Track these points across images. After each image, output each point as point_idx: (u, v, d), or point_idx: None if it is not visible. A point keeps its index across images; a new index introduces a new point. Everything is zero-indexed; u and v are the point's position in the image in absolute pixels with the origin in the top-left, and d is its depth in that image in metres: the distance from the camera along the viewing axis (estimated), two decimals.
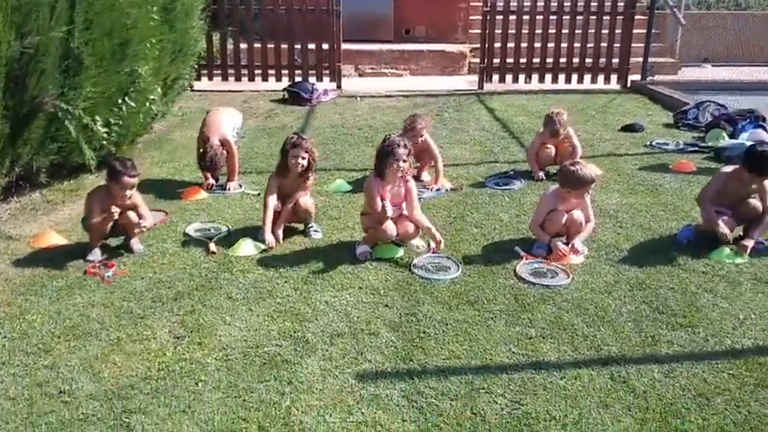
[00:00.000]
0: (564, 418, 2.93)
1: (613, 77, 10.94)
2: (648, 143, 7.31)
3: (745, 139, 6.85)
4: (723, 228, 4.52)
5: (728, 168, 4.70)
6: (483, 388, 3.15)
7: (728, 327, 3.66)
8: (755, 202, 4.60)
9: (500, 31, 10.67)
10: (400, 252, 4.59)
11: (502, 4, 10.63)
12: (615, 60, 10.89)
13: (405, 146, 4.52)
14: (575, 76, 10.89)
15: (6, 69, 4.72)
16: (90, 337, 3.58)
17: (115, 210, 4.49)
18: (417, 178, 6.18)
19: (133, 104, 6.20)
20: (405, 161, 4.50)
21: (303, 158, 4.80)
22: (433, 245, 4.65)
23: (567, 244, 4.60)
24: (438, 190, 5.90)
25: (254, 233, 4.91)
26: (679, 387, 3.15)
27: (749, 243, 4.49)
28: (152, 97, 6.57)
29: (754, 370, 3.27)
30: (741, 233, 4.69)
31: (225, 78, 10.67)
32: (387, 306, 3.91)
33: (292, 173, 4.83)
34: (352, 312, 3.84)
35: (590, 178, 4.48)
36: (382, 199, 4.48)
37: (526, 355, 3.42)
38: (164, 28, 6.75)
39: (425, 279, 4.23)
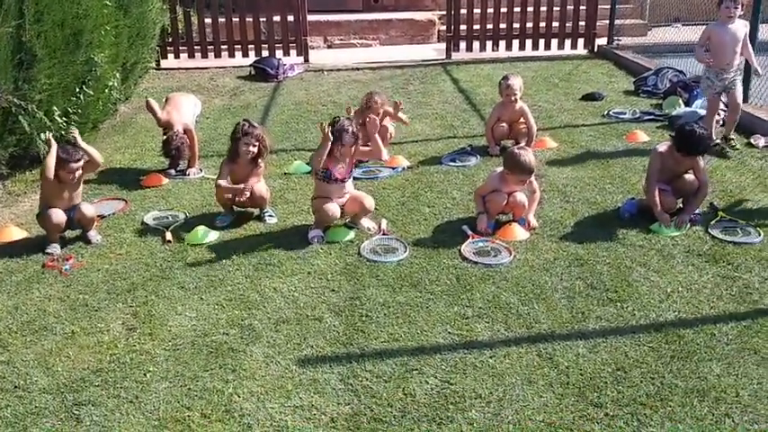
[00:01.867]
0: (489, 396, 3.12)
1: (581, 42, 11.00)
2: (606, 112, 7.44)
3: (698, 106, 6.98)
4: (664, 215, 4.67)
5: (662, 147, 4.83)
6: (416, 369, 3.33)
7: (656, 300, 3.84)
8: (691, 177, 4.76)
9: None
10: (351, 235, 4.74)
11: None
12: (582, 24, 10.94)
13: (352, 133, 4.63)
14: (542, 42, 10.94)
15: None
16: (45, 332, 3.73)
17: (66, 195, 4.66)
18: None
19: (91, 92, 6.26)
20: (351, 145, 4.63)
21: (254, 146, 4.91)
22: (383, 226, 4.81)
23: (513, 222, 4.78)
24: (395, 168, 6.03)
25: (211, 220, 5.05)
26: (600, 362, 3.34)
27: (685, 218, 4.66)
28: (111, 83, 6.64)
29: (673, 342, 3.46)
30: (681, 205, 4.86)
31: (191, 55, 10.67)
32: (333, 291, 4.07)
33: (243, 159, 4.95)
34: (299, 298, 4.00)
35: (528, 168, 4.60)
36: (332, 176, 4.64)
37: (461, 335, 3.60)
38: (119, 14, 6.77)
39: (373, 262, 4.39)
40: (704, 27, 6.22)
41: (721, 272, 4.12)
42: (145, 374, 3.35)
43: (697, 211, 4.79)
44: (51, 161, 4.51)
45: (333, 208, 4.63)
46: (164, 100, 6.37)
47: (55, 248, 4.63)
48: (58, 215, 4.60)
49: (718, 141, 6.06)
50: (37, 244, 4.73)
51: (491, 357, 3.40)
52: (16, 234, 4.92)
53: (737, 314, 3.68)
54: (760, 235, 4.49)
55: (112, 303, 4.00)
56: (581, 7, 10.79)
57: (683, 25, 13.15)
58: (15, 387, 3.29)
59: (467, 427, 2.94)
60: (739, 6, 5.83)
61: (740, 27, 5.95)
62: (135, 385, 3.28)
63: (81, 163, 4.61)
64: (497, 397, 3.12)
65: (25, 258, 4.56)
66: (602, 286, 4.01)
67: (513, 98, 6.23)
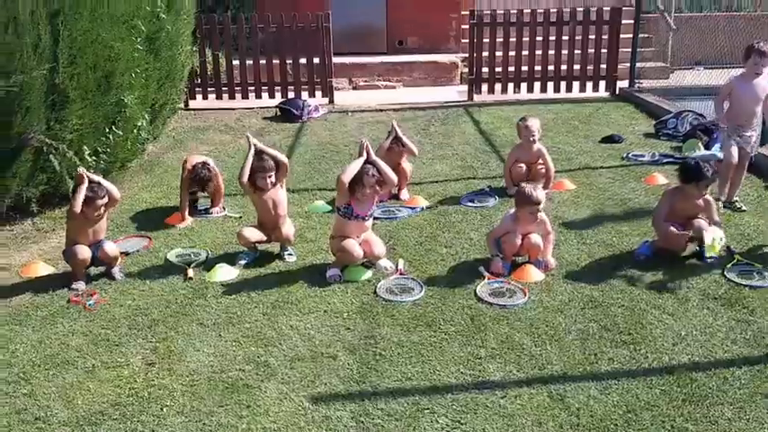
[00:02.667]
0: None
1: (602, 85, 11.09)
2: (625, 155, 7.48)
3: (717, 149, 6.99)
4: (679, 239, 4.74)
5: (672, 186, 4.88)
6: (427, 408, 3.37)
7: (669, 343, 3.85)
8: (703, 223, 4.79)
9: (488, 41, 10.85)
10: (368, 274, 4.82)
11: (489, 13, 10.83)
12: (604, 67, 11.04)
13: (372, 175, 4.74)
14: (563, 85, 11.05)
15: None
16: (68, 365, 3.84)
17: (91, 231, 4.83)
18: (396, 197, 6.43)
19: (120, 132, 6.47)
20: (372, 186, 4.73)
21: (270, 177, 5.05)
22: (400, 266, 4.89)
23: (528, 263, 4.83)
24: (414, 208, 6.11)
25: (233, 257, 5.16)
26: (611, 404, 3.35)
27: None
28: (140, 124, 6.84)
29: (685, 386, 3.46)
30: (697, 247, 4.88)
31: (219, 96, 10.94)
32: (348, 329, 4.13)
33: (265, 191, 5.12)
34: (315, 336, 4.07)
35: (534, 199, 4.68)
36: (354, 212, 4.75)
37: (473, 375, 3.63)
38: (149, 57, 7.02)
39: (388, 301, 4.45)
40: (727, 77, 6.15)
41: (736, 316, 4.11)
42: (161, 409, 3.43)
43: (714, 256, 4.79)
44: (81, 197, 4.68)
45: (356, 249, 4.72)
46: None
47: (80, 284, 4.76)
48: (84, 251, 4.74)
49: (721, 200, 5.73)
50: (63, 280, 4.87)
51: (502, 398, 3.43)
52: (43, 270, 5.07)
53: (751, 358, 3.67)
54: None
55: (133, 338, 4.10)
56: (602, 50, 10.90)
57: (705, 69, 13.28)
58: (36, 419, 3.39)
59: None
60: None
61: (763, 83, 5.57)
62: (151, 419, 3.35)
63: (105, 200, 4.77)
64: None
65: (51, 293, 4.70)
66: (615, 328, 4.02)
67: (531, 139, 6.32)
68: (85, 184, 4.72)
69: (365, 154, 4.83)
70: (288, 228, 5.11)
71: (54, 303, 4.57)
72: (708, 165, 4.82)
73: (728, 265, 4.71)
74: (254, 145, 5.07)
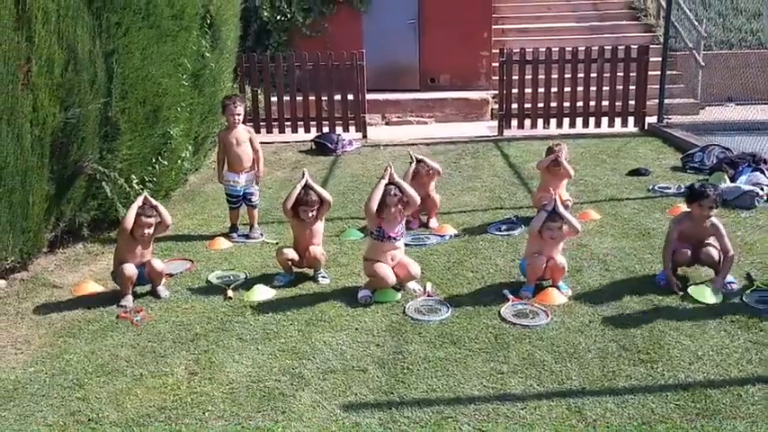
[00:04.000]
0: None
1: (631, 120, 11.29)
2: (651, 187, 7.66)
3: (743, 182, 7.15)
4: (671, 277, 4.92)
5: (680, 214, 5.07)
6: (451, 417, 3.57)
7: (686, 362, 4.01)
8: (712, 250, 4.96)
9: (517, 78, 11.15)
10: (398, 296, 5.06)
11: (518, 51, 11.15)
12: (632, 103, 11.26)
13: (394, 194, 5.01)
14: (592, 120, 11.28)
15: (52, 138, 5.41)
16: (117, 374, 4.13)
17: (139, 251, 5.15)
18: (426, 225, 6.69)
19: (166, 163, 6.87)
20: (395, 205, 4.99)
21: (312, 212, 5.34)
22: (429, 288, 5.13)
23: (552, 287, 5.03)
24: (442, 236, 6.36)
25: (270, 279, 5.45)
26: (627, 416, 3.52)
27: (719, 282, 4.85)
28: (183, 155, 7.24)
29: (699, 401, 3.62)
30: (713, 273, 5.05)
31: (257, 131, 11.33)
32: (378, 345, 4.37)
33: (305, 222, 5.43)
34: (346, 351, 4.31)
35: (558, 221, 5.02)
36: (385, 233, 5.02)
37: (495, 388, 3.83)
38: (193, 93, 7.45)
39: (416, 321, 4.68)
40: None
41: (753, 338, 4.26)
42: (203, 413, 3.69)
43: (734, 281, 4.95)
44: (132, 213, 5.02)
45: (389, 274, 4.98)
46: None
47: (127, 301, 5.08)
48: (131, 269, 5.08)
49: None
50: (112, 297, 5.20)
51: (522, 409, 3.62)
52: (94, 288, 5.41)
53: (765, 377, 3.82)
54: None
55: (177, 351, 4.39)
56: (630, 87, 11.12)
57: (736, 105, 13.40)
58: (89, 420, 3.67)
59: None
60: None
61: None
62: (194, 422, 3.62)
63: (152, 219, 5.11)
64: None
65: (101, 310, 5.03)
66: (634, 348, 4.20)
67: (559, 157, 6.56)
68: (138, 203, 5.07)
69: (387, 176, 5.08)
70: (317, 249, 5.40)
71: (104, 319, 4.89)
72: (750, 194, 4.96)
73: (748, 292, 4.86)
74: (307, 179, 5.40)
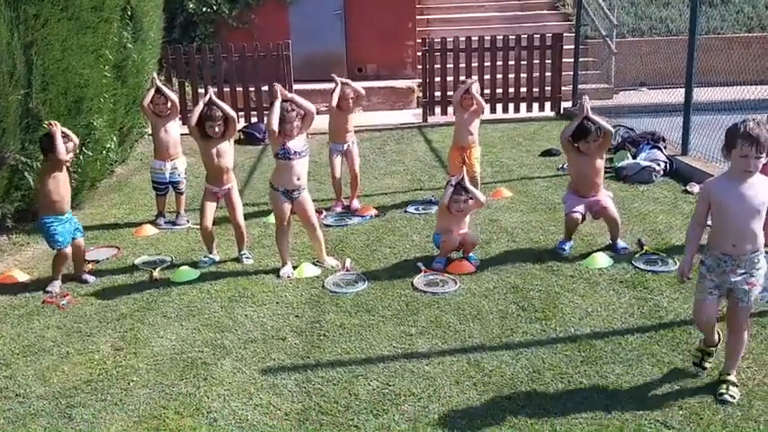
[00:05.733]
0: (421, 393, 3.67)
1: (548, 105, 11.81)
2: (560, 166, 8.11)
3: (642, 158, 7.67)
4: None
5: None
6: (362, 375, 3.88)
7: (576, 318, 4.42)
8: (610, 212, 5.45)
9: (440, 66, 11.53)
10: (317, 272, 5.34)
11: (439, 41, 11.52)
12: (549, 89, 11.77)
13: (291, 109, 5.14)
14: (511, 106, 11.75)
15: None
16: (44, 353, 4.29)
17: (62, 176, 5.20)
18: (348, 207, 6.97)
19: (90, 153, 6.95)
20: (294, 120, 5.15)
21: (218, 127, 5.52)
22: (348, 264, 5.42)
23: (463, 259, 5.39)
24: (363, 216, 6.66)
25: (195, 263, 5.64)
26: (520, 366, 3.89)
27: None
28: (108, 146, 7.33)
29: (585, 350, 4.02)
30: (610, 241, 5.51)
31: (185, 122, 11.41)
32: (297, 317, 4.64)
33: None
34: (267, 323, 4.57)
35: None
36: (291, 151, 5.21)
37: (403, 348, 4.16)
38: (117, 84, 7.53)
39: (334, 293, 4.97)
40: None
41: (637, 295, 4.70)
42: (128, 383, 3.90)
43: (626, 246, 5.42)
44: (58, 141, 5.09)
45: (284, 210, 5.32)
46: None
47: (54, 287, 5.21)
48: (67, 254, 5.23)
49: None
50: (37, 285, 5.31)
51: (427, 365, 3.96)
52: (20, 276, 5.51)
53: (644, 327, 4.25)
54: (676, 264, 5.08)
55: (103, 330, 4.57)
56: (546, 74, 11.63)
57: (648, 89, 14.13)
58: (16, 395, 3.84)
59: (399, 417, 3.49)
60: (764, 154, 3.33)
61: (761, 186, 3.41)
62: (119, 392, 3.82)
63: (71, 145, 5.23)
64: (428, 394, 3.66)
65: (27, 296, 5.14)
66: (531, 308, 4.59)
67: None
68: (59, 136, 5.10)
69: (279, 96, 5.21)
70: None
71: (30, 304, 5.01)
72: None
73: (636, 255, 5.32)
74: (211, 96, 5.51)
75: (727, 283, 3.51)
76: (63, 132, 5.17)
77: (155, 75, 6.89)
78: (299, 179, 5.26)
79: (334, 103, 6.71)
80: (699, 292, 3.61)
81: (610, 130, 5.48)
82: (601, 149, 5.48)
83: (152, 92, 6.54)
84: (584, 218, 5.50)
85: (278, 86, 5.30)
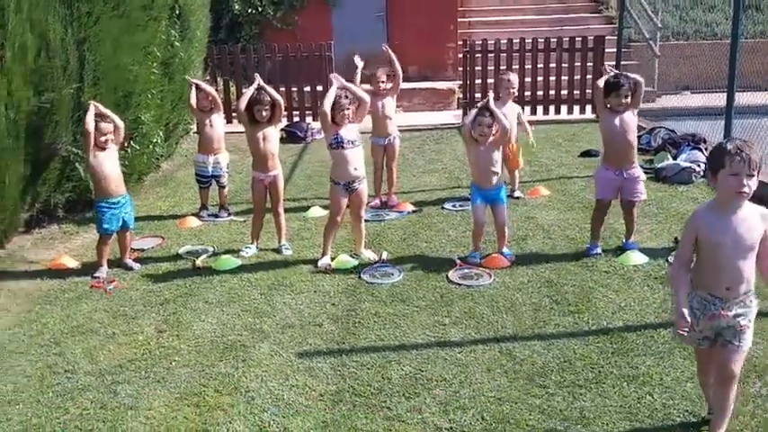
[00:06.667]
0: (452, 379, 3.74)
1: (588, 108, 11.75)
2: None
3: (682, 159, 7.61)
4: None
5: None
6: (395, 360, 3.97)
7: (609, 312, 4.44)
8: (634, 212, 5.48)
9: (480, 68, 11.57)
10: (354, 263, 5.45)
11: (480, 42, 11.57)
12: (590, 91, 11.71)
13: (345, 96, 5.31)
14: (552, 108, 11.73)
15: (26, 121, 5.72)
16: (91, 333, 4.48)
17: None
18: (386, 203, 7.07)
19: (137, 147, 7.18)
20: (348, 107, 5.28)
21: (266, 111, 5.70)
22: (384, 256, 5.52)
23: (498, 253, 5.45)
24: (401, 212, 6.75)
25: (236, 252, 5.80)
26: (551, 356, 3.94)
27: None
28: (155, 140, 7.56)
29: (617, 342, 4.05)
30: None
31: (229, 121, 11.63)
32: (333, 305, 4.76)
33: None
34: (304, 310, 4.69)
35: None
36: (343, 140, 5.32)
37: (436, 336, 4.24)
38: (164, 80, 7.78)
39: (370, 284, 5.07)
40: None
41: (671, 291, 4.69)
42: (171, 363, 4.06)
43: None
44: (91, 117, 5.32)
45: (342, 204, 5.41)
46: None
47: (101, 272, 5.42)
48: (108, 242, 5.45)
49: None
50: (86, 271, 5.53)
51: (459, 353, 4.03)
52: (69, 263, 5.73)
53: None
54: None
55: (147, 313, 4.74)
56: (588, 76, 11.58)
57: (692, 93, 13.95)
58: (65, 371, 4.02)
59: (430, 400, 3.57)
60: (756, 174, 2.92)
61: (754, 218, 2.98)
62: (162, 370, 3.98)
63: (110, 125, 5.42)
64: (459, 380, 3.74)
65: (76, 281, 5.36)
66: (564, 302, 4.62)
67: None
68: (91, 112, 5.33)
69: (335, 84, 5.38)
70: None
71: (78, 288, 5.23)
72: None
73: (673, 253, 5.30)
74: (259, 82, 5.70)
75: (717, 328, 3.05)
76: (103, 113, 5.41)
77: (188, 77, 7.10)
78: (356, 169, 5.37)
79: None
80: (689, 341, 3.18)
81: (641, 81, 5.36)
82: (632, 105, 5.34)
83: (194, 91, 6.75)
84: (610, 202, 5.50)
85: (334, 75, 5.44)
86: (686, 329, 2.98)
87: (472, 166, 5.50)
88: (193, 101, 6.75)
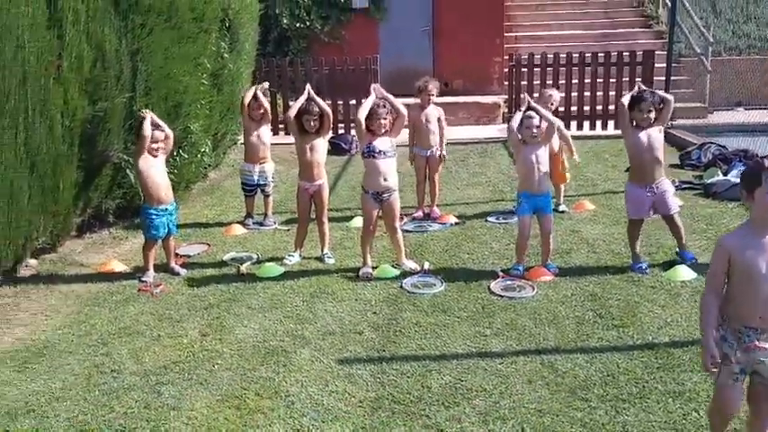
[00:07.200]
0: (493, 390, 3.72)
1: None
2: None
3: (733, 175, 7.45)
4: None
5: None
6: (435, 369, 3.96)
7: (654, 327, 4.35)
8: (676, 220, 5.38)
9: (526, 82, 11.51)
10: (396, 273, 5.45)
11: (526, 56, 11.53)
12: None
13: (383, 105, 5.41)
14: (598, 123, 11.59)
15: (81, 129, 5.89)
16: (137, 335, 4.57)
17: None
18: (428, 215, 7.07)
19: (186, 156, 7.33)
20: (385, 117, 5.38)
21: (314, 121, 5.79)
22: (426, 266, 5.51)
23: (541, 265, 5.40)
24: (443, 224, 6.75)
25: (280, 260, 5.87)
26: (594, 369, 3.88)
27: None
28: (203, 150, 7.71)
29: (662, 357, 3.96)
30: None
31: (276, 132, 11.83)
32: (374, 313, 4.77)
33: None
34: (345, 318, 4.71)
35: None
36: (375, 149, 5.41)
37: (477, 347, 4.21)
38: (213, 91, 7.93)
39: (412, 293, 5.07)
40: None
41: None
42: (213, 366, 4.12)
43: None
44: (148, 126, 5.49)
45: (372, 213, 5.48)
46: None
47: (148, 276, 5.53)
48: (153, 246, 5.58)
49: None
50: (134, 275, 5.66)
51: (500, 364, 4.00)
52: (118, 267, 5.87)
53: None
54: None
55: (192, 317, 4.82)
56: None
57: (745, 109, 13.65)
58: (112, 371, 4.11)
59: (469, 410, 3.55)
60: None
61: None
62: (205, 373, 4.04)
63: (161, 134, 5.58)
64: (500, 391, 3.71)
65: (124, 284, 5.49)
66: (608, 316, 4.55)
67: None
68: (148, 119, 5.50)
69: (373, 93, 5.43)
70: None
71: (126, 291, 5.35)
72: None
73: None
74: (309, 92, 5.81)
75: (754, 362, 2.84)
76: (156, 122, 5.55)
77: (252, 86, 7.24)
78: (386, 180, 5.39)
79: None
80: (722, 377, 2.91)
81: (669, 99, 5.30)
82: (658, 121, 5.27)
83: (251, 92, 6.88)
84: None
85: (375, 85, 5.50)
86: (715, 368, 2.83)
87: (520, 168, 5.48)
88: (246, 100, 6.89)
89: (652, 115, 5.23)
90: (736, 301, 2.85)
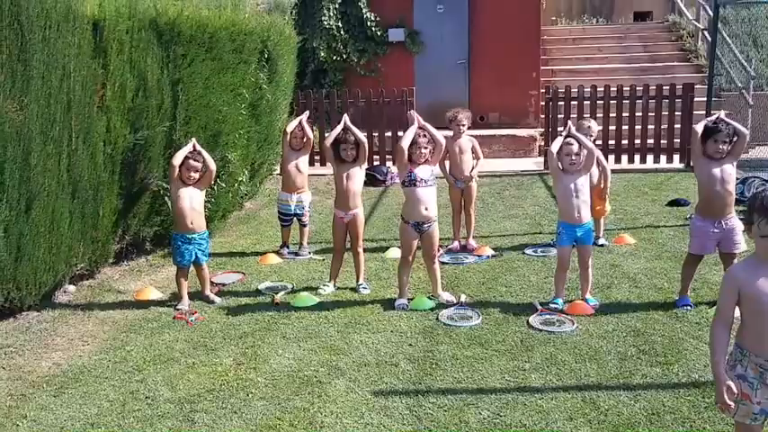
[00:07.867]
0: (533, 426, 3.61)
1: (676, 157, 11.42)
2: (689, 216, 7.78)
3: None
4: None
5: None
6: (473, 404, 3.86)
7: (701, 365, 4.20)
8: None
9: (563, 116, 11.43)
10: (432, 305, 5.38)
11: (563, 90, 11.47)
12: (677, 141, 11.39)
13: (424, 135, 5.34)
14: (637, 157, 11.44)
15: (122, 157, 5.98)
16: (172, 362, 4.55)
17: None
18: (465, 247, 7.00)
19: (224, 185, 7.39)
20: (425, 146, 5.31)
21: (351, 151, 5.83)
22: (462, 298, 5.43)
23: (581, 300, 5.28)
24: (480, 256, 6.67)
25: (315, 290, 5.83)
26: (639, 407, 3.75)
27: None
28: (240, 179, 7.77)
29: (710, 397, 3.81)
30: None
31: (312, 164, 11.90)
32: (410, 345, 4.69)
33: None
34: (381, 349, 4.64)
35: None
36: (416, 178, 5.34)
37: (516, 381, 4.11)
38: (251, 121, 8.02)
39: (448, 326, 4.99)
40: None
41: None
42: (247, 395, 4.07)
43: None
44: (181, 155, 5.51)
45: (412, 244, 5.42)
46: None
47: (184, 305, 5.53)
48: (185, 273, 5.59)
49: None
50: (170, 302, 5.67)
51: (540, 399, 3.89)
52: (154, 294, 5.89)
53: None
54: None
55: (226, 345, 4.80)
56: (675, 125, 11.28)
57: None
58: (146, 397, 4.09)
59: None
60: None
61: None
62: (239, 402, 3.99)
63: (199, 164, 5.55)
64: (540, 427, 3.60)
65: (160, 311, 5.49)
66: (652, 352, 4.41)
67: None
68: (188, 148, 5.55)
69: (416, 122, 5.40)
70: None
71: (162, 319, 5.35)
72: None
73: None
74: (346, 122, 5.87)
75: None
76: (199, 152, 5.57)
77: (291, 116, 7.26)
78: (426, 209, 5.35)
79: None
80: (739, 414, 2.84)
81: (744, 132, 5.03)
82: (732, 155, 5.00)
83: (296, 121, 6.93)
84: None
85: (413, 113, 5.49)
86: (731, 404, 2.74)
87: (561, 198, 5.38)
88: (290, 128, 6.91)
89: (726, 147, 4.97)
90: (750, 335, 2.83)
